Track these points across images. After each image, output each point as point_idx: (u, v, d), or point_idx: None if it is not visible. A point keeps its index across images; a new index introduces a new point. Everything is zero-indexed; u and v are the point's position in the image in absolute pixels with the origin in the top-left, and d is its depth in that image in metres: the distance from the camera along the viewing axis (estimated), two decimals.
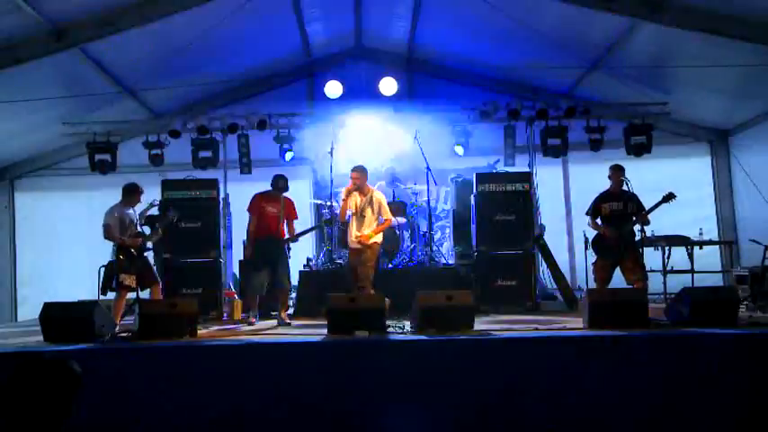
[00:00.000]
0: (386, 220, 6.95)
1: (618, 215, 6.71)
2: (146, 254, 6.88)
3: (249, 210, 7.09)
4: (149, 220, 7.70)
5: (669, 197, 6.50)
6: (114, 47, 7.68)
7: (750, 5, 6.69)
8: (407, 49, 10.30)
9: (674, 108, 9.11)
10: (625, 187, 6.79)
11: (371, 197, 6.89)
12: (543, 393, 4.71)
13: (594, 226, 6.86)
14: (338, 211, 7.45)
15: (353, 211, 6.90)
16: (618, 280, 6.80)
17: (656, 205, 6.54)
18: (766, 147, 9.04)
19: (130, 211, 6.84)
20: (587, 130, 9.15)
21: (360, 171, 6.94)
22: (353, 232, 6.87)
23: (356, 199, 6.91)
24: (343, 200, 6.98)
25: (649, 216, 6.62)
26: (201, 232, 7.88)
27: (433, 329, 5.44)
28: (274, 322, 6.91)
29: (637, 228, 6.73)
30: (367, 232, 6.78)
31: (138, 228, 6.89)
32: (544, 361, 4.88)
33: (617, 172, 6.82)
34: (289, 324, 6.68)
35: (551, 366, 4.83)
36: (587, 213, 6.94)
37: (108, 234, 6.60)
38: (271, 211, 6.97)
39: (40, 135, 9.55)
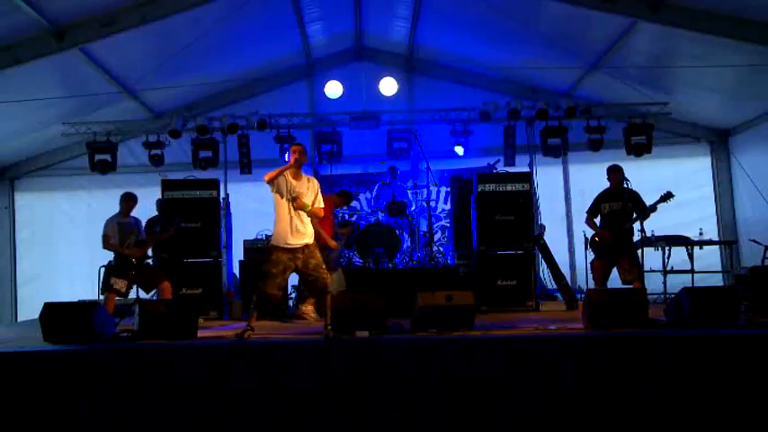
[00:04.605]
0: (320, 208, 5.82)
1: (617, 215, 6.71)
2: (147, 260, 6.90)
3: None
4: (150, 224, 7.71)
5: (667, 196, 6.49)
6: (114, 47, 7.69)
7: (750, 5, 6.70)
8: (407, 49, 10.32)
9: (674, 108, 9.12)
10: (625, 185, 6.77)
11: (310, 181, 5.81)
12: (543, 393, 4.71)
13: (592, 225, 6.87)
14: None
15: (287, 196, 5.63)
16: (617, 280, 6.79)
17: (654, 205, 6.53)
18: (766, 147, 9.04)
19: (128, 219, 6.81)
20: (587, 130, 9.16)
21: (304, 147, 5.85)
22: (288, 223, 5.60)
23: (289, 182, 5.66)
24: (279, 171, 5.63)
25: (651, 214, 6.61)
26: (201, 232, 7.89)
27: (433, 329, 5.44)
28: (275, 323, 6.93)
29: (637, 227, 6.72)
30: (309, 228, 5.72)
31: (142, 235, 6.87)
32: (544, 361, 4.88)
33: (615, 172, 6.80)
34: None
35: (551, 366, 4.83)
36: (587, 212, 6.95)
37: (106, 244, 6.61)
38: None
39: (40, 135, 9.56)
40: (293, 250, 5.62)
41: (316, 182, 5.87)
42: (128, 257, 6.60)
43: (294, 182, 5.68)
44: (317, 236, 6.86)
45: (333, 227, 7.53)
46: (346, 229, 8.25)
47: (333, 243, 6.95)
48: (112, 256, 6.67)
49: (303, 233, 5.66)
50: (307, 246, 5.68)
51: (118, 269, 6.55)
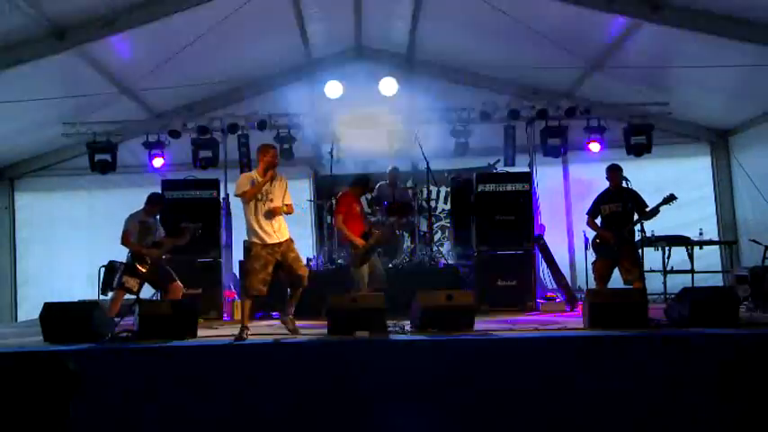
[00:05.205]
0: (289, 205, 5.87)
1: (617, 216, 6.71)
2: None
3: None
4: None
5: (670, 199, 6.48)
6: (114, 47, 7.68)
7: (750, 5, 6.70)
8: (407, 49, 10.30)
9: (674, 108, 9.10)
10: (625, 185, 6.77)
11: (280, 178, 5.87)
12: (543, 393, 4.72)
13: (593, 226, 6.86)
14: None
15: (263, 199, 5.73)
16: (617, 280, 6.79)
17: (657, 208, 6.52)
18: (766, 147, 9.04)
19: (150, 218, 6.80)
20: (587, 130, 9.16)
21: (276, 149, 6.05)
22: (262, 220, 5.68)
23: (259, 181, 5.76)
24: (259, 186, 5.70)
25: (653, 216, 6.61)
26: (201, 232, 7.88)
27: (434, 329, 5.44)
28: (275, 323, 6.91)
29: (637, 228, 6.72)
30: (282, 224, 5.81)
31: (160, 235, 6.85)
32: (544, 361, 4.88)
33: (614, 172, 6.80)
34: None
35: (551, 366, 4.83)
36: (588, 213, 6.94)
37: (125, 240, 6.59)
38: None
39: (40, 135, 9.55)
40: (271, 245, 5.71)
41: (285, 180, 5.95)
42: (143, 256, 6.56)
43: (267, 185, 5.75)
44: (343, 236, 6.86)
45: (362, 222, 7.00)
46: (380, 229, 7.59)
47: (359, 242, 6.65)
48: (128, 258, 6.63)
49: (277, 230, 5.74)
50: (284, 241, 5.78)
51: (132, 268, 6.52)
